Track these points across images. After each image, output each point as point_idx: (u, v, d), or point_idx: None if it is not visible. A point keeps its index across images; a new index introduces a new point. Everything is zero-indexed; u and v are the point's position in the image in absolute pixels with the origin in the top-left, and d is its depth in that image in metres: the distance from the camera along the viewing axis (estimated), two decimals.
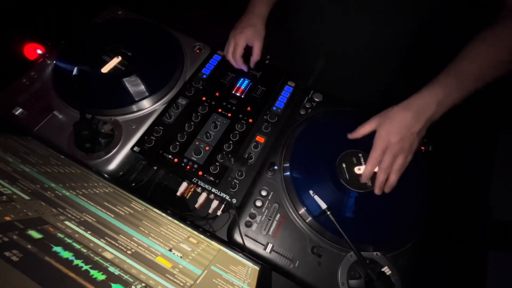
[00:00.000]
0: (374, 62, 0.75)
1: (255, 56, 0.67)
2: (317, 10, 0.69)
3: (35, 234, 0.25)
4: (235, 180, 0.56)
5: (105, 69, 0.65)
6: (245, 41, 0.65)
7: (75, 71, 0.61)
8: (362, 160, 0.56)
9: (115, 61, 0.66)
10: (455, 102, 0.46)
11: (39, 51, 0.66)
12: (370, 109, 0.67)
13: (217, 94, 0.67)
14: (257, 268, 0.44)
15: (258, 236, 0.52)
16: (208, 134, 0.60)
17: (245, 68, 0.69)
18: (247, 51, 0.67)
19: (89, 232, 0.30)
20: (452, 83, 0.46)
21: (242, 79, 0.70)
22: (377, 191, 0.50)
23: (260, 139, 0.62)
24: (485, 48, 0.46)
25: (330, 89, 0.70)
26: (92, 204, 0.38)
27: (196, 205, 0.58)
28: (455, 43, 0.53)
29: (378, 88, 0.85)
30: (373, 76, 0.80)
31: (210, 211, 0.58)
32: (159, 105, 0.66)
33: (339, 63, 0.77)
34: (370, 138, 0.53)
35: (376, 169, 0.50)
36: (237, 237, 0.52)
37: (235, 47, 0.66)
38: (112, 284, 0.23)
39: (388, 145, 0.48)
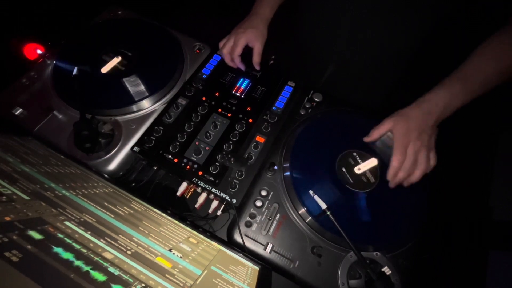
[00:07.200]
0: (381, 67, 0.75)
1: (256, 58, 0.67)
2: (331, 17, 0.69)
3: (36, 235, 0.25)
4: (235, 180, 0.56)
5: (105, 69, 0.64)
6: (246, 41, 0.65)
7: (75, 71, 0.61)
8: (360, 159, 0.56)
9: (115, 61, 0.66)
10: (461, 105, 0.48)
11: (39, 51, 0.66)
12: (371, 110, 0.68)
13: (217, 94, 0.67)
14: (257, 268, 0.44)
15: (258, 236, 0.52)
16: (208, 134, 0.60)
17: (242, 67, 0.69)
18: (248, 51, 0.67)
19: (89, 232, 0.30)
20: (458, 87, 0.47)
21: (242, 79, 0.70)
22: (392, 185, 0.50)
23: (260, 139, 0.62)
24: (492, 54, 0.47)
25: (333, 91, 0.70)
26: (92, 204, 0.38)
27: (196, 205, 0.58)
28: (460, 50, 0.53)
29: (382, 91, 0.86)
30: (378, 80, 0.81)
31: (210, 211, 0.58)
32: (159, 105, 0.65)
33: (347, 68, 0.77)
34: None
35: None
36: (237, 237, 0.52)
37: (235, 45, 0.65)
38: (113, 285, 0.23)
39: (409, 142, 0.48)
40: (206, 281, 0.32)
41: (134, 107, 0.63)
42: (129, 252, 0.30)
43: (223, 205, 0.59)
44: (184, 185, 0.58)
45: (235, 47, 0.65)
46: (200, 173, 0.56)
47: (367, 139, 0.54)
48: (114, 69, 0.66)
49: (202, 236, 0.46)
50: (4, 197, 0.30)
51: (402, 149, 0.48)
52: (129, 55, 0.68)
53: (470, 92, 0.47)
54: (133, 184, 0.62)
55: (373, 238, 0.52)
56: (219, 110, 0.64)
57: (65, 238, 0.27)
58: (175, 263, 0.33)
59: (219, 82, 0.69)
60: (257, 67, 0.69)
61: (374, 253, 0.50)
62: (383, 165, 0.54)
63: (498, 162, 1.35)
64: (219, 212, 0.58)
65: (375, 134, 0.52)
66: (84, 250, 0.26)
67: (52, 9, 0.92)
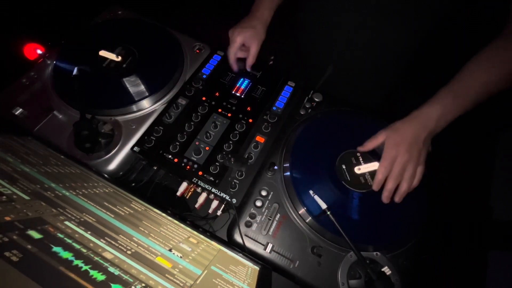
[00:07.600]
0: (381, 67, 0.75)
1: (251, 58, 0.66)
2: (331, 17, 0.69)
3: (35, 234, 0.25)
4: (235, 180, 0.56)
5: (102, 53, 0.66)
6: (242, 40, 0.65)
7: (75, 71, 0.61)
8: (362, 160, 0.56)
9: (113, 56, 0.66)
10: (453, 118, 0.49)
11: (39, 51, 0.66)
12: (371, 110, 0.68)
13: (217, 94, 0.67)
14: (257, 268, 0.44)
15: (258, 236, 0.52)
16: (208, 134, 0.60)
17: (235, 68, 0.69)
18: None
19: (89, 232, 0.30)
20: (449, 102, 0.48)
21: (242, 79, 0.70)
22: (384, 199, 0.50)
23: (260, 139, 0.62)
24: (483, 68, 0.48)
25: (333, 91, 0.70)
26: (92, 204, 0.38)
27: (196, 205, 0.58)
28: (460, 50, 0.53)
29: (382, 91, 0.86)
30: (378, 80, 0.81)
31: (210, 211, 0.58)
32: (159, 105, 0.65)
33: (347, 68, 0.77)
34: None
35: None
36: (237, 237, 0.52)
37: (231, 44, 0.65)
38: (112, 285, 0.23)
39: (398, 154, 0.48)
40: (206, 281, 0.32)
41: (134, 107, 0.63)
42: (129, 252, 0.30)
43: (223, 205, 0.59)
44: (184, 185, 0.58)
45: (232, 46, 0.65)
46: (200, 173, 0.56)
47: (361, 149, 0.54)
48: (111, 63, 0.66)
49: (202, 236, 0.46)
50: (4, 197, 0.30)
51: (389, 161, 0.49)
52: (129, 55, 0.68)
53: (461, 107, 0.48)
54: (133, 184, 0.62)
55: (373, 238, 0.52)
56: (219, 110, 0.64)
57: (65, 238, 0.27)
58: (175, 263, 0.33)
59: (219, 82, 0.69)
60: (248, 68, 0.69)
61: (374, 253, 0.50)
62: None
63: (498, 162, 1.35)
64: (219, 212, 0.58)
65: (369, 146, 0.53)
66: (84, 250, 0.26)
67: (52, 9, 0.92)
